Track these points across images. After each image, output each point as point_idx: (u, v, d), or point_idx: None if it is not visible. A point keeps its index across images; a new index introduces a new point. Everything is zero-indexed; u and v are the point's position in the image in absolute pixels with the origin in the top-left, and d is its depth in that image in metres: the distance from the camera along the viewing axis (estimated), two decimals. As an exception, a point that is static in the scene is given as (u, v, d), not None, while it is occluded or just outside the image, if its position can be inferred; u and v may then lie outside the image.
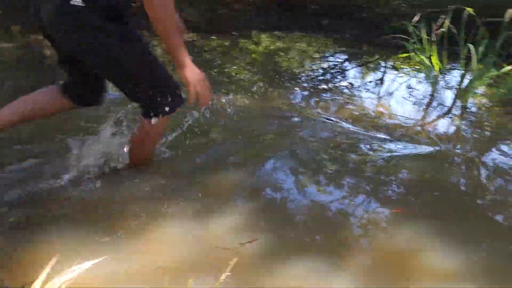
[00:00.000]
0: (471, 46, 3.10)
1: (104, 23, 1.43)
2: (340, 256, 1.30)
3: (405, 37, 3.48)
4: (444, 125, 2.51)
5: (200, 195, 1.60)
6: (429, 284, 1.22)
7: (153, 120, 1.59)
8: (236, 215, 1.48)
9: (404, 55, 3.51)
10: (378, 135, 2.23)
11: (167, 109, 1.58)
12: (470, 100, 2.92)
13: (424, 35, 3.29)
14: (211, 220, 1.45)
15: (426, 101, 2.91)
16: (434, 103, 2.87)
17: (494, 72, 3.09)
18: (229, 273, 1.16)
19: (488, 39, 3.11)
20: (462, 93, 2.98)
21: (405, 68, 3.65)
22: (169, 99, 1.58)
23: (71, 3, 1.39)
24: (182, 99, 1.63)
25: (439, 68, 3.25)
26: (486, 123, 2.59)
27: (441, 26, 3.25)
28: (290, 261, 1.26)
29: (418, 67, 3.45)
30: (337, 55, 4.11)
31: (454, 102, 2.90)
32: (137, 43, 1.53)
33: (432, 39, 3.23)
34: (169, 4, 1.40)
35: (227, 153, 1.95)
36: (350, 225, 1.50)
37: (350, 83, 3.18)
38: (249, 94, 2.75)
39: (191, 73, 1.51)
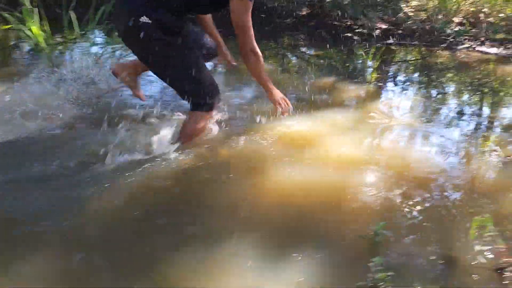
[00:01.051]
0: (72, 13, 3.08)
1: (164, 36, 1.89)
2: None
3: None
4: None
5: None
6: None
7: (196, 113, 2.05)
8: None
9: (6, 27, 3.10)
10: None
11: (204, 107, 2.03)
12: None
13: (27, 3, 3.00)
14: None
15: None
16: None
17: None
18: None
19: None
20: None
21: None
22: (205, 100, 2.01)
23: (141, 20, 1.84)
24: (212, 105, 2.05)
25: (45, 39, 3.04)
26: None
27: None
28: None
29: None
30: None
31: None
32: (185, 52, 1.97)
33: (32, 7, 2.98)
34: (262, 68, 2.05)
35: None
36: None
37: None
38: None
39: (275, 95, 2.18)
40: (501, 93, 3.36)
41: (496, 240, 1.36)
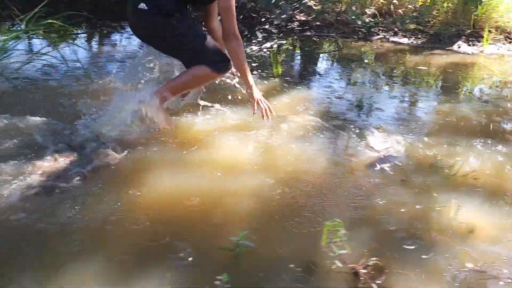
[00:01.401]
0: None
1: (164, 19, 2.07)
2: None
3: None
4: None
5: None
6: None
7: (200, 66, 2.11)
8: None
9: None
10: None
11: (210, 64, 2.10)
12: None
13: None
14: None
15: None
16: None
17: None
18: None
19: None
20: None
21: None
22: (210, 61, 2.10)
23: (139, 7, 2.04)
24: (225, 65, 2.15)
25: None
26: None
27: None
28: None
29: None
30: None
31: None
32: (181, 28, 2.10)
33: None
34: (242, 53, 2.12)
35: None
36: None
37: None
38: None
39: (256, 92, 2.19)
40: (410, 84, 3.43)
41: (344, 245, 1.33)
